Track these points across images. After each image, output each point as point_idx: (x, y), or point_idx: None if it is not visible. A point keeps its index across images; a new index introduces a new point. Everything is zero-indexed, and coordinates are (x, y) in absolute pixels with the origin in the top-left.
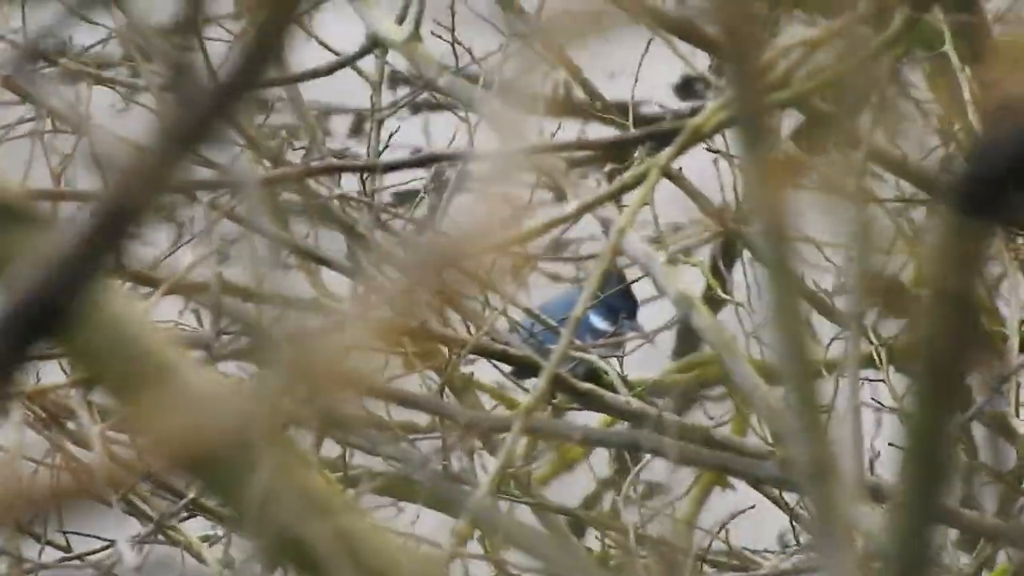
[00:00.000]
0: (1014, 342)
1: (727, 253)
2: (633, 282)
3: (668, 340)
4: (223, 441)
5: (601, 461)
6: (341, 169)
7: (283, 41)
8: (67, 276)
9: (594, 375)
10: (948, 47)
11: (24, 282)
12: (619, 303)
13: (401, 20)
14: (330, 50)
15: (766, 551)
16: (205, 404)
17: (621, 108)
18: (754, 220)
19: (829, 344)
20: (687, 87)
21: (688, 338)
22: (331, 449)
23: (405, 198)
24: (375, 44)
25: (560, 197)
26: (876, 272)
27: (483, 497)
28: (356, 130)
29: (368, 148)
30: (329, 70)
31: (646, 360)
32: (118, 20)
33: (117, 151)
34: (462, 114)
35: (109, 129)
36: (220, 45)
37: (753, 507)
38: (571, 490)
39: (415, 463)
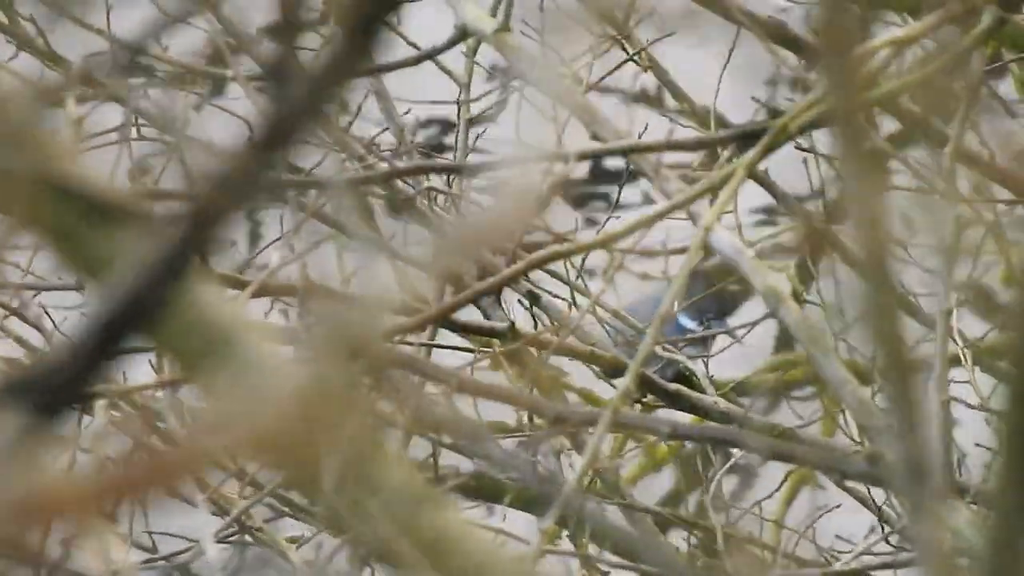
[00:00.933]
0: None
1: (815, 254)
2: (722, 285)
3: (766, 340)
4: (312, 436)
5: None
6: (427, 171)
7: (374, 40)
8: (156, 275)
9: (683, 377)
10: None
11: (116, 280)
12: (707, 303)
13: (493, 15)
14: (418, 49)
15: (834, 550)
16: (295, 399)
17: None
18: (848, 219)
19: (916, 344)
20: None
21: (786, 339)
22: (419, 448)
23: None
24: (464, 35)
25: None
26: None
27: (571, 495)
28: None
29: (455, 146)
30: (416, 60)
31: (742, 360)
32: (210, 21)
33: (204, 152)
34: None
35: (196, 131)
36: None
37: (839, 506)
38: (659, 491)
39: (502, 461)
